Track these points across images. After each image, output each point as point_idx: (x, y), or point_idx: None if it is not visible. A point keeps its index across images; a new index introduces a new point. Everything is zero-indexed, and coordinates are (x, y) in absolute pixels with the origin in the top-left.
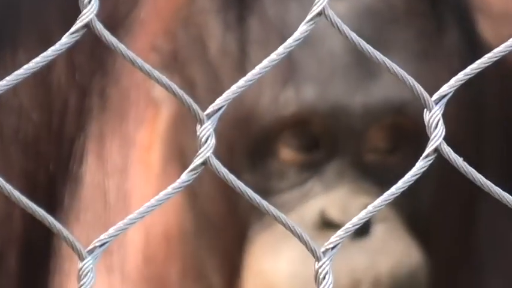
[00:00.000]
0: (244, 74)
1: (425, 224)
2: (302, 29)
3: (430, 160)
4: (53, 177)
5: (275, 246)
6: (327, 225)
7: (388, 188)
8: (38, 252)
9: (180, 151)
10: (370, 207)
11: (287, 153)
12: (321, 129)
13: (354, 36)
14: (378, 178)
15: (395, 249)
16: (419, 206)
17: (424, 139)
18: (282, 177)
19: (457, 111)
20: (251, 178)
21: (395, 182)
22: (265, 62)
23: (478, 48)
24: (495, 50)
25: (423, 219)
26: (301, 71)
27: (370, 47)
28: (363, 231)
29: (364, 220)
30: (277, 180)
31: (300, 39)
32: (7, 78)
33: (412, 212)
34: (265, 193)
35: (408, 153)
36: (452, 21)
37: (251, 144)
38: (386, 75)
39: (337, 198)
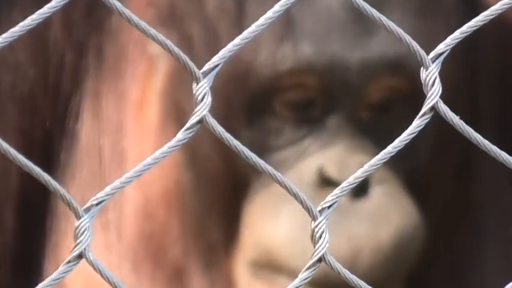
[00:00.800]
0: (241, 30)
1: (423, 183)
2: None
3: (426, 119)
4: (49, 134)
5: (274, 207)
6: (325, 182)
7: (385, 146)
8: (35, 210)
9: (177, 107)
10: (366, 166)
11: (284, 109)
12: (317, 85)
13: None
14: (375, 135)
15: (395, 215)
16: (416, 165)
17: (421, 98)
18: (279, 134)
19: (453, 68)
20: (248, 135)
21: (392, 139)
22: (262, 20)
23: (475, 6)
24: (492, 8)
25: (421, 179)
26: (299, 28)
27: (367, 5)
28: (361, 193)
29: (360, 179)
30: (274, 137)
31: None
32: (3, 35)
33: (410, 171)
34: (262, 150)
35: (405, 111)
36: None
37: (248, 100)
38: (383, 32)
39: (334, 156)
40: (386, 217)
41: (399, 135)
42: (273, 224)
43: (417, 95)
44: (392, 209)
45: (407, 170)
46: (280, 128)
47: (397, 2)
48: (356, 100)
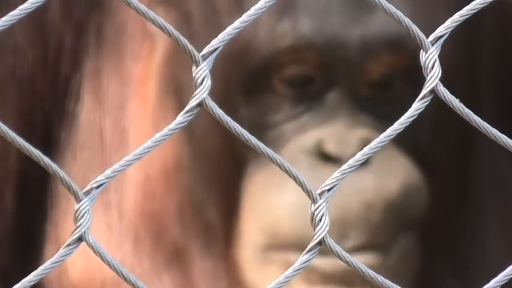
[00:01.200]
0: (241, 9)
1: (424, 162)
2: None
3: (426, 102)
4: (48, 116)
5: (276, 183)
6: (324, 158)
7: (384, 123)
8: (34, 192)
9: (176, 86)
10: (366, 149)
11: (283, 86)
12: (317, 63)
13: None
14: (374, 112)
15: (399, 170)
16: (417, 144)
17: (420, 76)
18: (278, 110)
19: (452, 51)
20: (247, 112)
21: (391, 116)
22: (261, 3)
23: None
24: None
25: (422, 158)
26: (298, 4)
27: None
28: (364, 166)
29: (360, 161)
30: (273, 114)
31: None
32: (2, 19)
33: (414, 146)
34: (261, 127)
35: (404, 89)
36: None
37: (247, 77)
38: (372, 18)
39: (333, 131)
40: (391, 173)
41: (398, 112)
42: (276, 200)
43: (417, 72)
44: (395, 166)
45: (409, 149)
46: (278, 105)
47: None
48: (356, 77)
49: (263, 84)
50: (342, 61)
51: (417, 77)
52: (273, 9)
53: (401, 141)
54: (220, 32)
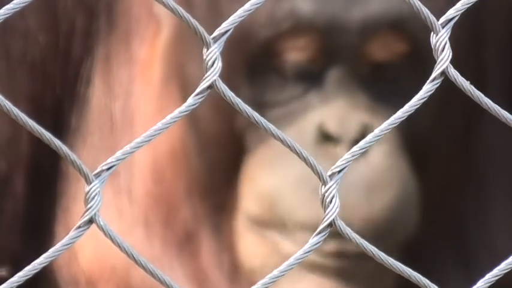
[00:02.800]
0: None
1: (424, 145)
2: None
3: (437, 84)
4: (59, 100)
5: (274, 160)
6: (325, 137)
7: (384, 104)
8: (45, 175)
9: (179, 69)
10: (377, 131)
11: (284, 67)
12: (318, 44)
13: None
14: (375, 93)
15: (391, 181)
16: (417, 129)
17: (420, 58)
18: (280, 91)
19: (460, 34)
20: (250, 92)
21: (390, 97)
22: None
23: None
24: None
25: (421, 141)
26: None
27: None
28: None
29: (371, 143)
30: (275, 94)
31: None
32: (14, 1)
33: (411, 134)
34: (264, 106)
35: (404, 71)
36: None
37: (250, 59)
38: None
39: (334, 112)
40: (382, 184)
41: (398, 92)
42: (273, 176)
43: (417, 55)
44: (389, 174)
45: (410, 133)
46: (281, 85)
47: None
48: (356, 57)
49: (265, 66)
50: (342, 41)
51: (417, 60)
52: None
53: (398, 128)
54: (222, 19)
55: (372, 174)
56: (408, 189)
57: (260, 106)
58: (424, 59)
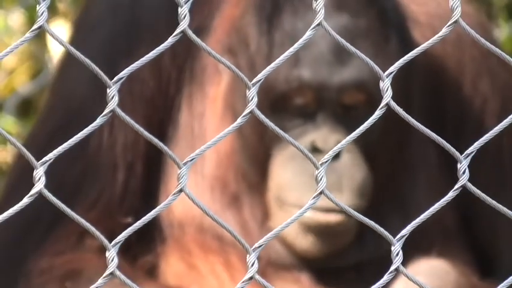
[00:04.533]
0: (270, 62)
1: (374, 149)
2: (306, 35)
3: (383, 111)
4: (162, 119)
5: (286, 162)
6: (315, 150)
7: (353, 130)
8: (154, 163)
9: (233, 102)
10: (343, 141)
11: (293, 108)
12: (313, 96)
13: (342, 40)
14: (346, 124)
15: (356, 173)
16: (370, 140)
17: (374, 104)
18: (290, 121)
19: (396, 83)
20: (272, 121)
21: (357, 126)
22: (281, 57)
23: (410, 45)
24: (419, 48)
25: (372, 147)
26: (302, 62)
27: (351, 46)
28: (336, 157)
29: (339, 149)
30: (287, 123)
31: (303, 41)
32: (133, 64)
33: (366, 144)
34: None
35: (364, 111)
36: (394, 32)
37: (272, 102)
38: (353, 63)
39: (321, 135)
40: (350, 175)
41: (361, 124)
42: (283, 172)
43: (372, 102)
44: (355, 170)
45: (365, 142)
46: (289, 118)
47: (364, 47)
48: (335, 104)
49: (282, 106)
50: (327, 95)
51: (372, 104)
52: (288, 64)
53: (358, 140)
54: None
55: (344, 169)
56: (365, 178)
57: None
58: (376, 104)
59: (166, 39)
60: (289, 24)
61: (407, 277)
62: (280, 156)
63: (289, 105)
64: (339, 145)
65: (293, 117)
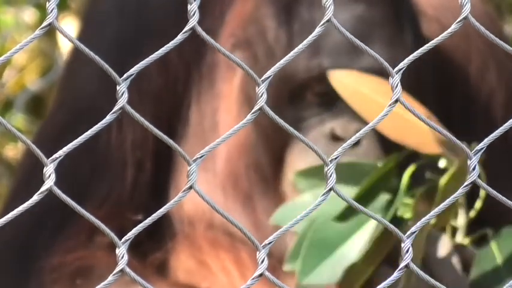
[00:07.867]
0: (290, 51)
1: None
2: (315, 31)
3: (393, 106)
4: (170, 117)
5: (299, 155)
6: (335, 138)
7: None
8: (163, 160)
9: (247, 98)
10: (359, 133)
11: (312, 97)
12: (330, 84)
13: (352, 37)
14: None
15: (372, 154)
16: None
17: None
18: (308, 110)
19: (408, 77)
20: (291, 112)
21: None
22: (295, 49)
23: (421, 41)
24: (428, 44)
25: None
26: (321, 52)
27: (362, 43)
28: (356, 144)
29: (355, 140)
30: (305, 112)
31: (313, 38)
32: (142, 62)
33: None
34: (300, 121)
35: None
36: (408, 24)
37: (291, 91)
38: (366, 58)
39: (340, 123)
40: (368, 155)
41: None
42: (297, 162)
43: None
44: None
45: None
46: (309, 107)
47: (378, 41)
48: None
49: (300, 95)
50: None
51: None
52: (307, 53)
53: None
54: (274, 63)
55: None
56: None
57: (297, 120)
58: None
59: (175, 37)
60: (307, 14)
61: (418, 274)
62: (298, 145)
63: (308, 94)
64: (353, 137)
65: (312, 106)
